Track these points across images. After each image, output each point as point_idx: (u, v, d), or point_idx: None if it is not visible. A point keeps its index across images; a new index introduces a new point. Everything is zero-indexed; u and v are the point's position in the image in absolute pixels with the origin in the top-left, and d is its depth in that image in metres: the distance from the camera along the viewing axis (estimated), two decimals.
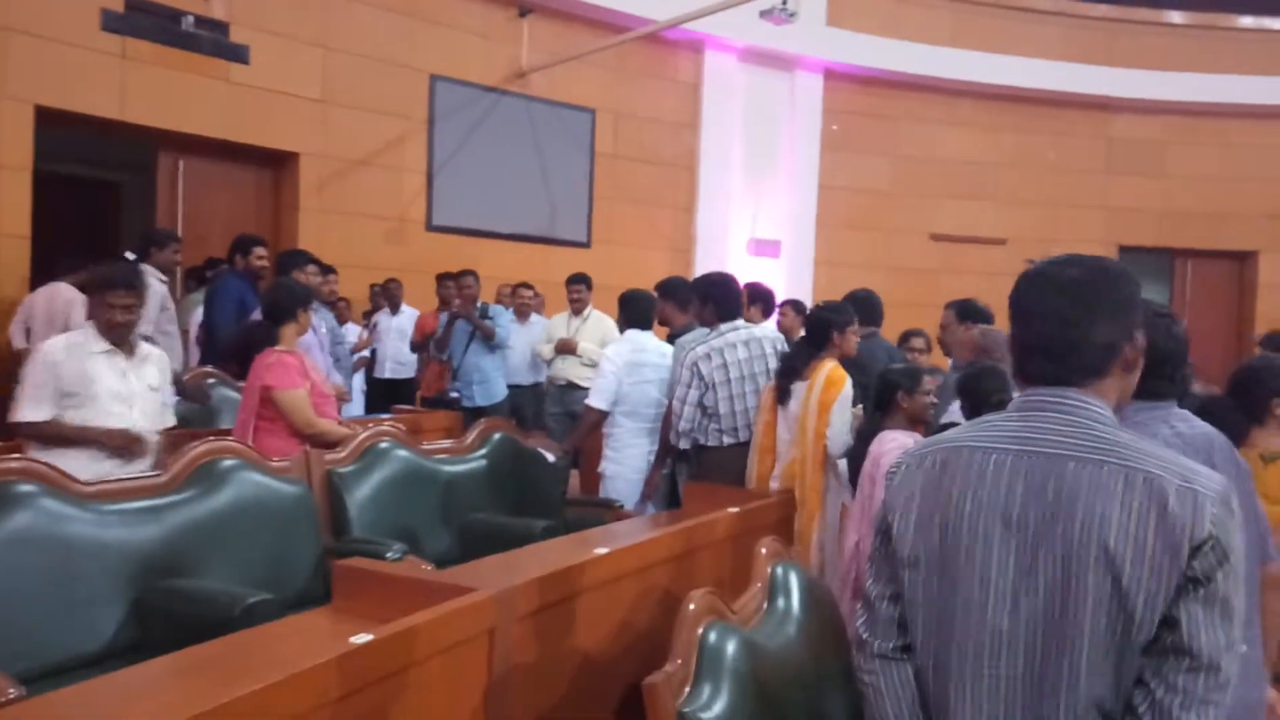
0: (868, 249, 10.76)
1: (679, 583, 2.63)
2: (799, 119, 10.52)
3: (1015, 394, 1.49)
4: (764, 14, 7.02)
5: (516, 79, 8.91)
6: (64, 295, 5.17)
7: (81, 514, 2.44)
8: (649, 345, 4.40)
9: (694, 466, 4.06)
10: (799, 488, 3.60)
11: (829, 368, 3.69)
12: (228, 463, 2.87)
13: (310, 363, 3.67)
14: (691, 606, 1.79)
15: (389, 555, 2.90)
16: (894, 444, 2.97)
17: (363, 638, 1.72)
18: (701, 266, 10.08)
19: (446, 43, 8.50)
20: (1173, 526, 1.25)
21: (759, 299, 5.29)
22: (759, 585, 2.14)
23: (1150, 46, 11.21)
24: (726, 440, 3.96)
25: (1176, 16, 11.38)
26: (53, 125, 6.50)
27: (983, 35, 10.86)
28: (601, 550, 2.35)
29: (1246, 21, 11.38)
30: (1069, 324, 1.39)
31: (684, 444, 4.00)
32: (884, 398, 3.26)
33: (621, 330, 4.70)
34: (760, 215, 10.35)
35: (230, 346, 4.01)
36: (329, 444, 3.40)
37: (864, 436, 3.25)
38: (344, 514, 3.19)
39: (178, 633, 2.41)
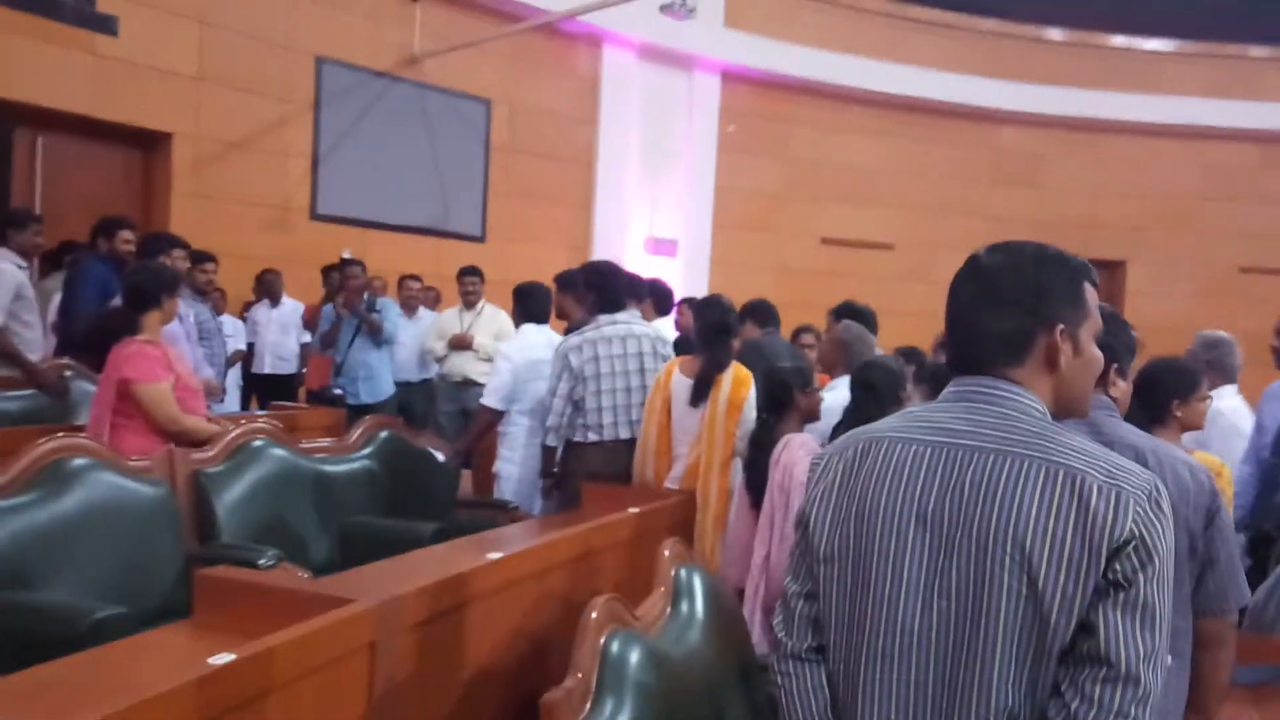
0: (761, 250, 10.85)
1: (578, 587, 2.51)
2: (697, 119, 10.52)
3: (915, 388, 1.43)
4: (664, 8, 6.96)
5: (408, 65, 8.60)
6: None
7: None
8: (546, 341, 4.29)
9: (563, 465, 3.89)
10: (702, 489, 3.49)
11: (733, 366, 3.61)
12: (77, 462, 2.60)
13: (176, 354, 3.38)
14: (594, 615, 1.67)
15: (260, 562, 2.68)
16: (804, 450, 2.90)
17: (224, 657, 1.53)
18: None
19: (334, 23, 8.14)
20: (1092, 525, 1.17)
21: (656, 296, 5.19)
22: (662, 590, 2.03)
23: (1032, 61, 11.65)
24: (591, 437, 3.80)
25: (1056, 33, 11.87)
26: None
27: (877, 43, 11.08)
28: (495, 555, 2.20)
29: (1119, 41, 11.95)
30: (969, 309, 1.34)
31: (551, 440, 3.84)
32: (778, 398, 3.18)
33: (517, 325, 4.57)
34: (658, 214, 10.30)
35: (86, 335, 3.66)
36: (196, 442, 3.14)
37: (761, 444, 3.15)
38: (212, 518, 2.94)
39: (17, 652, 2.16)
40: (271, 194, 7.95)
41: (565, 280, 4.23)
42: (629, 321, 3.93)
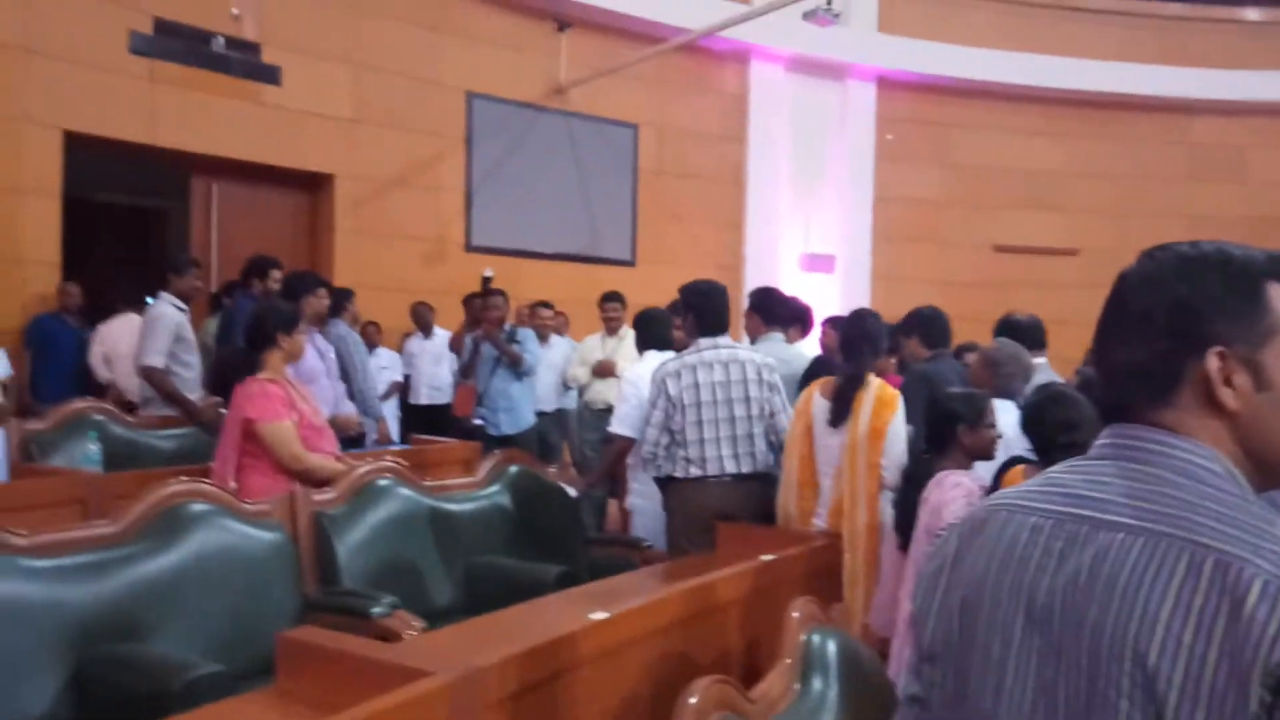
0: (927, 262, 10.25)
1: (700, 648, 2.24)
2: (851, 129, 10.09)
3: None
4: (807, 16, 6.64)
5: (555, 94, 8.64)
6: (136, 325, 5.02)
7: (12, 571, 2.14)
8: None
9: (665, 501, 3.58)
10: (847, 527, 3.16)
11: (877, 387, 3.26)
12: (195, 507, 2.56)
13: (302, 392, 3.36)
14: (692, 701, 1.41)
15: (375, 610, 2.56)
16: (958, 490, 2.50)
17: None
18: (751, 283, 9.64)
19: (482, 58, 8.27)
20: (1246, 638, 0.78)
21: (796, 318, 4.71)
22: (788, 661, 1.74)
23: (1227, 45, 10.55)
24: (694, 472, 3.44)
25: (1253, 13, 10.71)
26: (82, 151, 6.38)
27: (1045, 37, 10.33)
28: (599, 615, 1.96)
29: None
30: (1099, 336, 1.00)
31: (650, 471, 3.53)
32: (939, 431, 2.77)
33: (640, 351, 4.38)
34: (812, 230, 9.91)
35: (210, 376, 3.72)
36: (319, 481, 3.08)
37: (915, 479, 2.75)
38: (333, 561, 2.85)
39: (117, 707, 2.10)
40: (427, 228, 8.13)
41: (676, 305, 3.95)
42: (732, 345, 3.58)
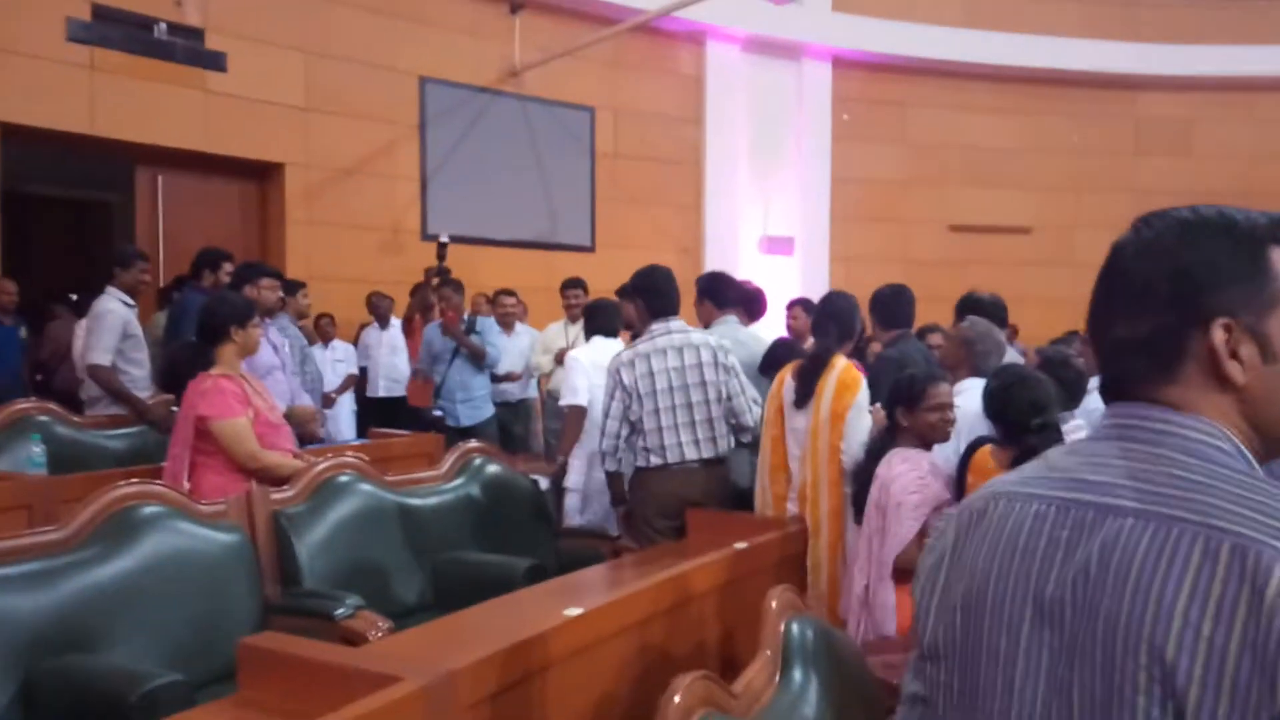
0: (885, 242, 10.29)
1: (677, 641, 2.20)
2: (808, 109, 10.07)
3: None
4: None
5: (510, 78, 8.51)
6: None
7: None
8: (615, 350, 4.07)
9: (628, 490, 3.53)
10: (811, 513, 3.11)
11: (840, 369, 3.17)
12: (147, 510, 2.46)
13: (257, 387, 3.25)
14: (676, 699, 1.36)
15: (339, 612, 2.49)
16: (905, 466, 2.50)
17: None
18: (711, 266, 9.60)
19: (435, 43, 8.11)
20: (1269, 628, 0.74)
21: (745, 300, 4.62)
22: (768, 653, 1.70)
23: (1173, 19, 10.68)
24: (655, 461, 3.40)
25: None
26: (19, 143, 6.15)
27: (997, 15, 10.38)
28: (573, 611, 1.91)
29: None
30: (1096, 310, 0.97)
31: (610, 465, 3.48)
32: (889, 414, 2.77)
33: (588, 338, 4.52)
34: (771, 211, 9.89)
35: (160, 372, 3.59)
36: (277, 480, 2.99)
37: (872, 453, 2.75)
38: (294, 562, 2.77)
39: None
40: (382, 217, 7.97)
41: (623, 291, 3.95)
42: (685, 330, 3.53)
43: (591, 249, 9.09)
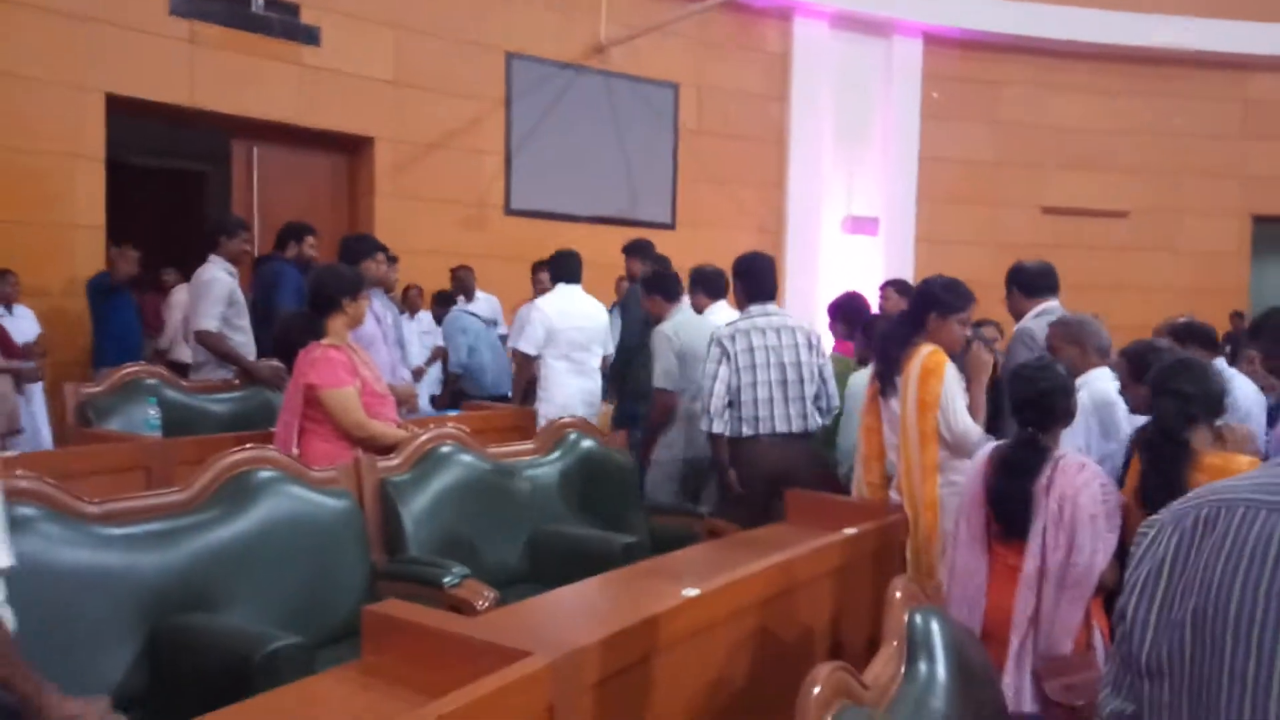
0: (974, 224, 10.02)
1: (784, 625, 2.17)
2: (896, 87, 9.84)
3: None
4: None
5: (595, 54, 8.48)
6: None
7: (85, 539, 2.11)
8: (578, 297, 4.84)
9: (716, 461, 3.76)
10: (909, 503, 3.02)
11: (924, 354, 3.05)
12: (263, 474, 2.51)
13: (364, 358, 3.30)
14: (816, 690, 1.34)
15: (446, 580, 2.52)
16: (1085, 474, 2.30)
17: None
18: (792, 246, 9.54)
19: (522, 18, 8.12)
20: None
21: (702, 283, 4.55)
22: (894, 644, 1.66)
23: None
24: (746, 431, 3.64)
25: None
26: (124, 114, 6.34)
27: None
28: (691, 592, 1.89)
29: None
30: None
31: (718, 426, 3.65)
32: (1040, 410, 2.54)
33: (553, 284, 5.03)
34: (855, 191, 9.71)
35: (274, 341, 3.67)
36: (383, 448, 3.03)
37: (1016, 465, 2.50)
38: (399, 529, 2.81)
39: (193, 678, 2.07)
40: (467, 191, 8.04)
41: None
42: (782, 313, 3.80)
43: (672, 226, 9.05)
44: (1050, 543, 2.33)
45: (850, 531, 2.53)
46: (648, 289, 4.54)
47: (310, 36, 7.04)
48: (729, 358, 3.63)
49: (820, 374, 3.76)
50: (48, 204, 5.96)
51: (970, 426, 2.99)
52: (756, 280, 3.81)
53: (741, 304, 3.83)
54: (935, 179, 9.96)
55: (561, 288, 4.88)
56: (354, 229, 7.40)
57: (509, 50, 8.09)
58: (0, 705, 1.52)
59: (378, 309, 4.29)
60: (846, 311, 4.48)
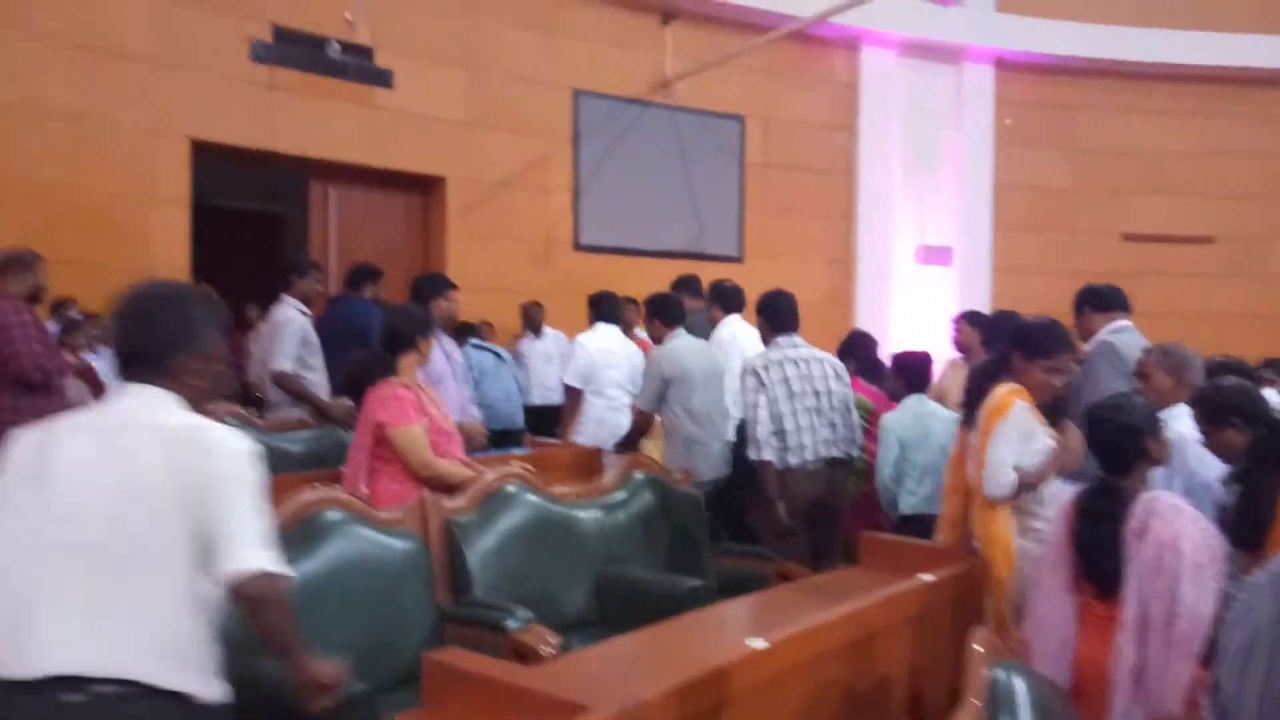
0: (1052, 252, 9.76)
1: (858, 676, 2.08)
2: (968, 114, 9.69)
3: None
4: None
5: (660, 89, 8.53)
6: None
7: None
8: (615, 336, 5.03)
9: (753, 489, 3.86)
10: (983, 543, 2.86)
11: (1000, 391, 2.92)
12: (331, 516, 2.53)
13: (432, 395, 3.32)
14: None
15: (510, 624, 2.49)
16: (1184, 519, 2.18)
17: None
18: (863, 277, 9.41)
19: (588, 56, 8.22)
20: None
21: (721, 298, 4.84)
22: (976, 703, 1.58)
23: None
24: (792, 460, 3.74)
25: None
26: (208, 158, 6.57)
27: (1174, 11, 9.72)
28: (759, 643, 1.83)
29: None
30: None
31: (767, 455, 3.73)
32: (1121, 449, 2.38)
33: (591, 324, 5.18)
34: (928, 220, 9.55)
35: (346, 378, 3.72)
36: (449, 487, 3.04)
37: (1101, 511, 2.35)
38: (464, 571, 2.80)
39: None
40: (536, 228, 8.13)
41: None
42: (807, 345, 3.99)
43: (739, 259, 9.01)
44: (1149, 592, 2.18)
45: (927, 578, 2.43)
46: (649, 314, 4.64)
47: (384, 80, 7.22)
48: (765, 387, 3.75)
49: (847, 402, 3.94)
50: (132, 247, 6.18)
51: (996, 474, 2.78)
52: (781, 315, 3.97)
53: (766, 338, 3.98)
54: (1011, 207, 9.75)
55: (601, 326, 5.08)
56: (427, 267, 7.53)
57: (576, 88, 8.19)
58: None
59: (447, 346, 4.33)
60: (856, 349, 4.72)
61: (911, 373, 4.21)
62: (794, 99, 9.18)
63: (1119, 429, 2.37)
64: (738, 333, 4.70)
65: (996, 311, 4.16)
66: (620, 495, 3.40)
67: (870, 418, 4.36)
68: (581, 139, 8.25)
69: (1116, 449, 2.38)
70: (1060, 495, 2.72)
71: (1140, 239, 9.95)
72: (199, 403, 1.84)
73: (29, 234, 5.48)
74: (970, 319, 4.84)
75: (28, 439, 1.75)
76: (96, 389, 5.49)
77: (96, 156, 5.97)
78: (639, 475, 3.50)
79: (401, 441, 3.05)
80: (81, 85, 5.89)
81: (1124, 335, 3.65)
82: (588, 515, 3.24)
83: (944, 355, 5.04)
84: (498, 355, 6.51)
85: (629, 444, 4.43)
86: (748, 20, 8.46)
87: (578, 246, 8.27)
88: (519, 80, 7.89)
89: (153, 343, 1.78)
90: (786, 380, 3.78)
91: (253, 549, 1.71)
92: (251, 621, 1.77)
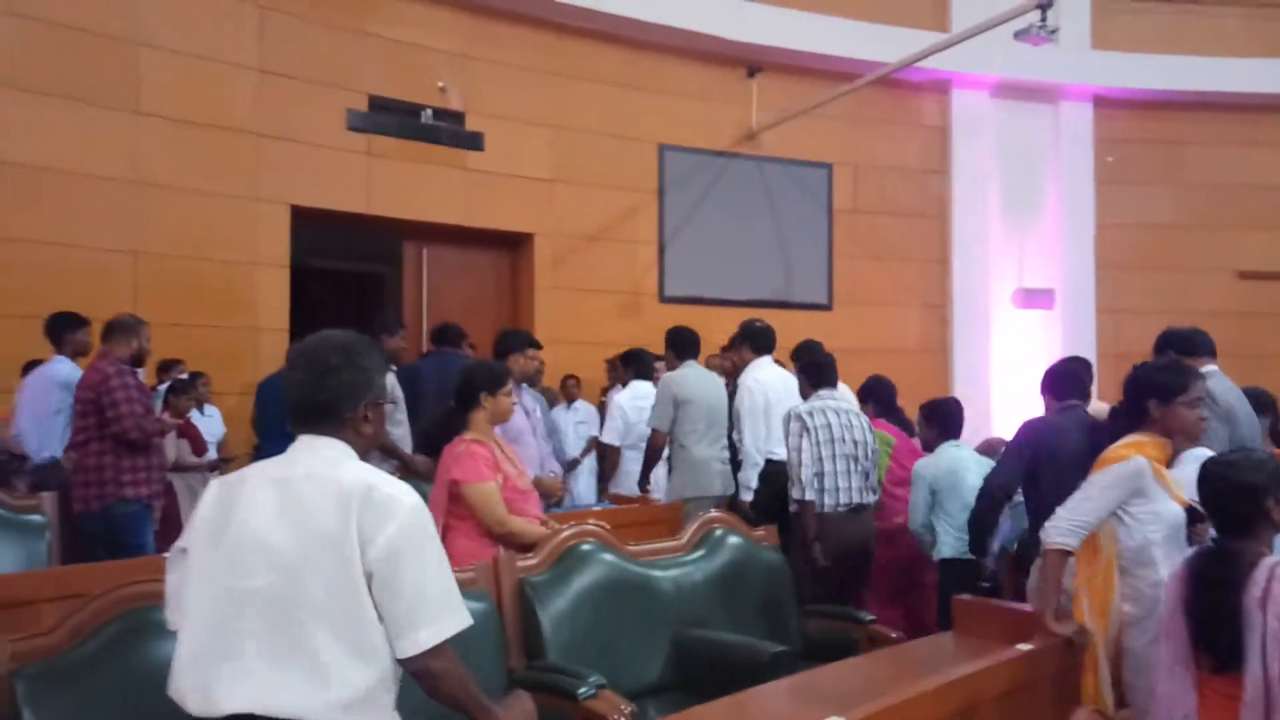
0: (1160, 292, 9.29)
1: None
2: (1066, 153, 9.39)
3: None
4: (1019, 35, 6.19)
5: (746, 140, 8.54)
6: None
7: None
8: (649, 392, 5.34)
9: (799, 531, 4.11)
10: (1087, 612, 2.56)
11: (1118, 444, 2.68)
12: None
13: (509, 453, 3.31)
14: None
15: (582, 691, 2.41)
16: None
17: None
18: (959, 323, 9.14)
19: (673, 111, 8.28)
20: None
21: (751, 338, 5.05)
22: None
23: None
24: (828, 502, 4.07)
25: None
26: (307, 223, 6.82)
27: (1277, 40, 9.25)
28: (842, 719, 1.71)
29: None
30: None
31: (809, 495, 4.05)
32: (1235, 510, 2.19)
33: (625, 383, 5.78)
34: (1027, 262, 9.23)
35: (420, 436, 3.75)
36: (522, 545, 3.00)
37: (1213, 578, 2.16)
38: (537, 632, 2.74)
39: None
40: (622, 281, 8.16)
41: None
42: (842, 397, 4.36)
43: (829, 307, 8.86)
44: (1276, 668, 1.96)
45: (1026, 648, 2.25)
46: (667, 345, 5.14)
47: (474, 142, 7.42)
48: (809, 432, 4.07)
49: (875, 456, 4.32)
50: (235, 309, 6.44)
51: (1059, 521, 2.54)
52: (823, 372, 4.32)
53: (806, 391, 4.30)
54: (1115, 246, 9.36)
55: (635, 384, 5.74)
56: (516, 322, 7.64)
57: (661, 142, 8.26)
58: None
59: (527, 402, 4.34)
60: (875, 393, 5.03)
61: (945, 420, 4.34)
62: (883, 144, 9.06)
63: (1234, 488, 2.17)
64: (763, 378, 4.83)
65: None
66: (699, 553, 3.31)
67: (893, 452, 4.73)
68: (667, 192, 8.29)
69: (1232, 509, 2.17)
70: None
71: (1256, 276, 9.40)
72: (367, 451, 1.87)
73: (136, 299, 5.79)
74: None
75: (213, 489, 1.83)
76: (198, 447, 5.69)
77: (201, 224, 6.27)
78: (718, 532, 3.40)
79: (475, 498, 3.03)
80: (187, 158, 6.22)
81: (1214, 381, 3.45)
82: (665, 574, 3.15)
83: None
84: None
85: (647, 462, 4.93)
86: (833, 69, 8.40)
87: (664, 298, 8.27)
88: (604, 137, 7.99)
89: (330, 394, 1.80)
90: (829, 426, 4.12)
91: (425, 625, 1.71)
92: (434, 695, 1.81)
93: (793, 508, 4.12)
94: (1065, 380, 3.71)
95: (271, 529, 1.71)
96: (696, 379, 4.88)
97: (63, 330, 4.68)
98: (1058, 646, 2.38)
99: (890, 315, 8.97)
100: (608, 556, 3.05)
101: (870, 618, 3.22)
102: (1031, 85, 9.18)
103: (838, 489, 4.06)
